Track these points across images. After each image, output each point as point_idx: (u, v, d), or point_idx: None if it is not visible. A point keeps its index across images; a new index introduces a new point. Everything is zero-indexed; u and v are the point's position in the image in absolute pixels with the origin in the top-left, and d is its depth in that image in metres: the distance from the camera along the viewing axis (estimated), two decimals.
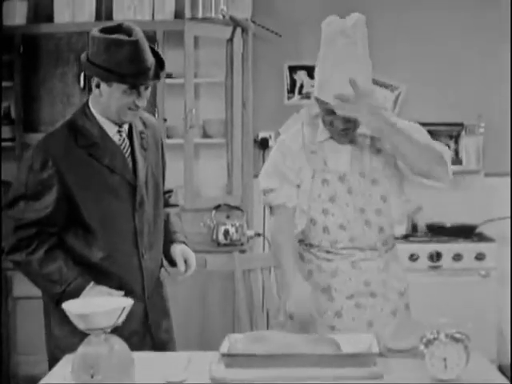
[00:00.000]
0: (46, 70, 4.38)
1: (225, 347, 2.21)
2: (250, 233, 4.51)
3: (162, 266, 2.73)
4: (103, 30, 2.46)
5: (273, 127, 4.80)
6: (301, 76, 4.80)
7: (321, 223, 2.63)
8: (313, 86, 4.89)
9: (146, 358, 2.27)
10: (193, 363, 2.26)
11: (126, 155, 2.57)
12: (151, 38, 4.23)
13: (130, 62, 2.41)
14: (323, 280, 2.64)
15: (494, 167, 4.71)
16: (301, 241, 2.71)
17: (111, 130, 2.54)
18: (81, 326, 2.03)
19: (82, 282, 2.47)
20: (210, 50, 4.64)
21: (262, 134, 4.79)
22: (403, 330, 2.52)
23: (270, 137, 4.79)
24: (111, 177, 2.52)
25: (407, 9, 4.77)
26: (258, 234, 4.67)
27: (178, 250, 2.68)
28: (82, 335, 2.09)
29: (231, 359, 2.15)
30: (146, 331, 2.61)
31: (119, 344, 2.06)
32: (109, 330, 2.04)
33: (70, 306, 2.05)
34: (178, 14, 4.48)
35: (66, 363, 2.21)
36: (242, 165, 4.58)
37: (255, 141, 4.76)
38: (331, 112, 2.55)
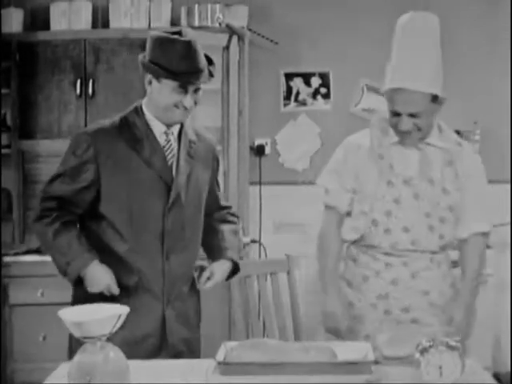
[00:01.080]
0: (42, 78, 4.39)
1: (221, 355, 2.21)
2: (246, 240, 4.50)
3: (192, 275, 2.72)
4: (163, 32, 2.57)
5: (269, 134, 4.83)
6: (297, 83, 4.82)
7: (383, 224, 2.67)
8: (309, 95, 4.93)
9: (142, 366, 2.27)
10: (189, 371, 2.25)
11: (169, 156, 2.62)
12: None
13: (180, 59, 2.49)
14: (381, 287, 2.70)
15: (490, 174, 4.67)
16: (356, 242, 2.76)
17: (158, 129, 2.61)
18: (76, 333, 2.02)
19: (87, 257, 2.55)
20: None
21: (258, 141, 4.81)
22: (399, 338, 2.52)
23: (267, 144, 4.82)
24: (148, 173, 2.58)
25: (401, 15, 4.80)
26: (254, 241, 4.70)
27: (215, 264, 2.72)
28: None
29: (227, 367, 2.15)
30: (162, 336, 2.62)
31: (115, 352, 2.06)
32: (105, 338, 2.03)
33: (65, 314, 2.05)
34: (175, 22, 4.51)
35: (61, 371, 2.21)
36: (238, 172, 4.59)
37: (251, 148, 4.78)
38: (397, 113, 2.61)
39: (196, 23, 4.43)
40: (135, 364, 2.16)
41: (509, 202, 4.62)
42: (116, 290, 2.54)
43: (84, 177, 2.57)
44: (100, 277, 2.54)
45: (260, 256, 4.74)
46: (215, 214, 2.83)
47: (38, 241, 2.68)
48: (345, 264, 2.82)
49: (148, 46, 2.58)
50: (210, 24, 4.43)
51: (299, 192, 4.85)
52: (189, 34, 2.58)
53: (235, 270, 2.79)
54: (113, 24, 4.47)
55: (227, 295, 3.40)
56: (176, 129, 2.65)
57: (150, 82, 2.56)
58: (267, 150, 4.81)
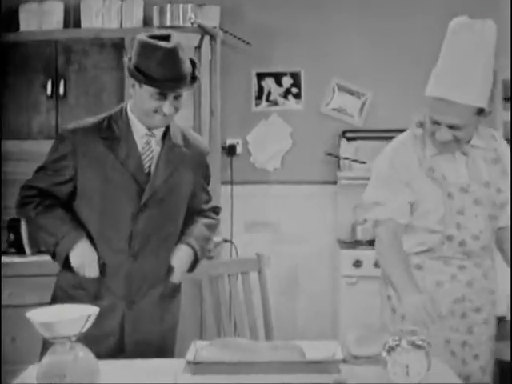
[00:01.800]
0: (12, 79, 4.34)
1: (191, 354, 2.23)
2: (218, 239, 4.49)
3: (168, 277, 2.70)
4: (150, 36, 2.57)
5: (240, 134, 4.85)
6: (268, 83, 4.85)
7: (457, 237, 2.58)
8: (280, 95, 4.93)
9: (112, 366, 2.27)
10: (159, 370, 2.26)
11: (147, 159, 2.63)
12: (119, 46, 4.25)
13: (160, 66, 2.50)
14: (457, 290, 2.61)
15: None
16: (424, 252, 2.63)
17: (139, 131, 2.62)
18: (46, 334, 2.02)
19: (75, 235, 2.58)
20: None
21: (229, 141, 4.83)
22: (367, 337, 2.54)
23: (238, 143, 4.84)
24: (122, 173, 2.59)
25: (374, 15, 4.84)
26: (226, 241, 4.71)
27: (174, 255, 2.69)
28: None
29: (197, 366, 2.17)
30: (122, 336, 2.61)
31: (84, 352, 2.06)
32: (74, 339, 2.03)
33: (34, 315, 2.04)
34: (147, 22, 4.51)
35: (30, 373, 2.19)
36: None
37: (223, 147, 4.79)
38: (436, 122, 2.50)
39: (168, 23, 4.41)
40: (105, 364, 2.16)
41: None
42: (96, 272, 2.57)
43: (62, 172, 2.61)
44: (86, 254, 2.57)
45: (231, 255, 4.75)
46: (197, 211, 2.82)
47: (27, 225, 2.71)
48: None
49: (134, 49, 2.58)
50: (181, 24, 4.42)
51: (270, 191, 4.89)
52: (175, 39, 2.58)
53: (197, 258, 2.75)
54: (84, 24, 4.44)
55: (198, 295, 3.41)
56: (160, 132, 2.65)
57: (133, 86, 2.57)
58: (239, 149, 4.82)
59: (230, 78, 4.78)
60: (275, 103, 4.85)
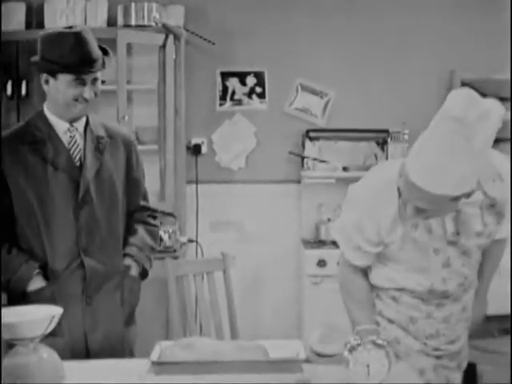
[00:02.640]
0: None
1: (155, 354, 2.23)
2: (183, 239, 4.52)
3: (122, 271, 2.69)
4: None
5: (205, 133, 4.86)
6: (233, 82, 4.86)
7: (440, 289, 2.41)
8: (244, 94, 4.90)
9: (77, 367, 2.26)
10: (123, 371, 2.26)
11: (75, 153, 2.60)
12: None
13: (72, 51, 2.48)
14: (432, 326, 2.46)
15: None
16: (401, 289, 2.45)
17: (61, 128, 2.60)
18: (6, 336, 1.99)
19: (26, 269, 2.52)
20: (142, 57, 4.65)
21: (194, 141, 4.83)
22: (331, 336, 2.61)
23: (203, 143, 4.84)
24: (55, 173, 2.56)
25: (337, 15, 4.87)
26: (191, 240, 4.71)
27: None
28: None
29: (161, 367, 2.17)
30: (83, 334, 2.59)
31: (48, 353, 2.05)
32: (37, 340, 2.02)
33: None
34: (111, 22, 4.50)
35: None
36: (174, 171, 4.58)
37: (188, 147, 4.79)
38: (419, 209, 2.18)
39: (133, 22, 4.42)
40: (69, 365, 2.15)
41: None
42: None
43: None
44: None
45: (197, 255, 4.75)
46: (136, 214, 2.81)
47: None
48: (380, 302, 2.51)
49: (39, 45, 2.56)
50: (146, 23, 4.43)
51: (235, 191, 4.90)
52: (81, 26, 2.56)
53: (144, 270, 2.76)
54: (48, 24, 4.41)
55: (164, 294, 3.42)
56: (81, 125, 2.63)
57: (47, 81, 2.55)
58: (203, 149, 4.83)
59: (194, 77, 4.78)
60: (239, 103, 4.87)
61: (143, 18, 4.43)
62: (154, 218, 2.88)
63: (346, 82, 4.89)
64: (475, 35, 4.82)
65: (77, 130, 2.63)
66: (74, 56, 2.49)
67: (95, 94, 2.56)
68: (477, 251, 2.45)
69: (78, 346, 2.56)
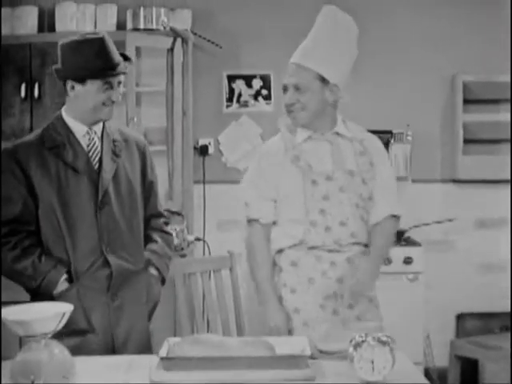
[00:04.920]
0: None
1: (164, 351, 2.25)
2: (191, 238, 4.55)
3: (145, 269, 2.77)
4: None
5: (212, 134, 4.88)
6: (239, 85, 4.89)
7: (322, 223, 2.65)
8: (250, 96, 4.98)
9: (87, 363, 2.28)
10: (134, 366, 2.28)
11: (94, 156, 2.66)
12: None
13: (98, 56, 2.54)
14: (329, 286, 2.66)
15: (420, 174, 4.85)
16: (294, 246, 2.69)
17: (79, 131, 2.65)
18: (20, 332, 2.02)
19: (55, 274, 2.58)
20: (151, 60, 4.69)
21: (201, 141, 4.86)
22: (334, 333, 2.63)
23: (210, 144, 4.87)
24: (75, 176, 2.62)
25: None
26: (198, 239, 4.74)
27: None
28: None
29: (170, 362, 2.18)
30: (110, 330, 2.65)
31: (59, 349, 2.06)
32: (49, 336, 2.04)
33: (7, 313, 2.03)
34: (120, 25, 4.55)
35: (3, 370, 2.16)
36: (182, 171, 4.64)
37: (195, 148, 4.83)
38: (285, 89, 2.71)
39: (141, 26, 4.47)
40: (80, 361, 2.16)
41: (434, 202, 4.79)
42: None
43: (21, 193, 2.59)
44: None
45: (204, 253, 4.77)
46: (153, 221, 2.87)
47: None
48: (281, 271, 2.74)
49: (60, 54, 2.60)
50: (154, 27, 4.48)
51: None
52: (100, 33, 2.63)
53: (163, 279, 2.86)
54: (59, 28, 4.47)
55: (172, 292, 3.47)
56: (98, 129, 2.69)
57: (73, 88, 2.59)
58: (210, 149, 4.86)
59: (201, 79, 4.82)
60: (245, 105, 4.90)
61: (152, 21, 4.48)
62: (167, 224, 2.95)
63: (349, 84, 4.93)
64: (478, 37, 4.85)
65: (95, 133, 2.69)
66: (100, 61, 2.54)
67: (121, 96, 2.63)
68: (354, 194, 2.68)
69: (105, 342, 2.63)
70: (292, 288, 2.72)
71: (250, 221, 2.78)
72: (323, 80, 2.68)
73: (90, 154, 2.67)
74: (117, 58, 2.61)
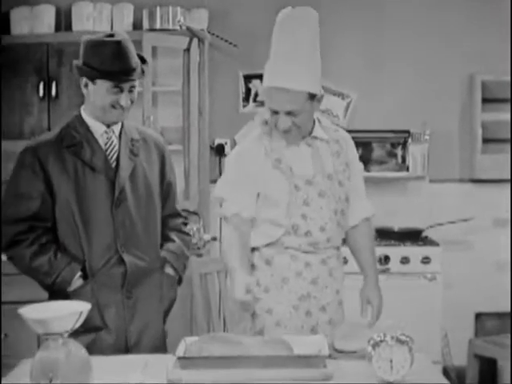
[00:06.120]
0: (4, 81, 4.39)
1: (181, 350, 2.25)
2: (207, 237, 4.56)
3: (161, 269, 2.78)
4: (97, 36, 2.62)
5: (228, 134, 4.89)
6: (255, 84, 4.89)
7: (303, 227, 2.61)
8: None
9: (104, 361, 2.29)
10: (150, 366, 2.27)
11: (111, 155, 2.68)
12: None
13: (112, 59, 2.55)
14: (303, 287, 2.64)
15: (438, 174, 4.86)
16: (271, 244, 2.66)
17: (98, 130, 2.67)
18: (39, 330, 2.03)
19: (69, 271, 2.60)
20: (167, 60, 4.72)
21: (218, 141, 4.87)
22: (352, 332, 2.60)
23: (226, 143, 4.88)
24: (93, 174, 2.64)
25: (358, 18, 4.91)
26: (215, 239, 4.73)
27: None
28: None
29: (187, 361, 2.18)
30: (123, 328, 2.67)
31: (77, 348, 2.07)
32: (66, 335, 2.05)
33: (27, 311, 2.04)
34: (137, 26, 4.57)
35: (22, 368, 2.23)
36: (198, 171, 4.65)
37: (211, 147, 4.84)
38: (275, 112, 2.55)
39: (157, 26, 4.49)
40: (97, 360, 2.16)
41: (454, 202, 4.78)
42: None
43: (40, 190, 2.61)
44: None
45: (220, 253, 4.78)
46: (171, 221, 2.88)
47: (14, 265, 2.68)
48: (255, 269, 2.69)
49: (81, 50, 2.63)
50: (171, 27, 4.49)
51: None
52: (121, 33, 2.64)
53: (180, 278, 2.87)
54: (75, 27, 4.50)
55: (188, 291, 3.48)
56: (117, 128, 2.71)
57: (86, 85, 2.62)
58: (227, 149, 4.86)
59: (217, 79, 4.83)
60: (262, 104, 4.89)
61: (168, 21, 4.50)
62: (185, 224, 2.96)
63: (367, 84, 4.92)
64: (497, 35, 4.83)
65: (113, 132, 2.71)
66: (114, 64, 2.56)
67: (131, 102, 2.64)
68: (333, 198, 2.64)
69: (119, 340, 2.64)
70: (265, 287, 2.68)
71: (227, 218, 2.68)
72: (312, 96, 2.57)
73: (108, 152, 2.69)
74: (133, 62, 2.61)
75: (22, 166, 2.64)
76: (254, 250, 2.71)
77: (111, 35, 2.63)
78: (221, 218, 4.70)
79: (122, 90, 2.60)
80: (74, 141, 2.65)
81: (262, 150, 2.64)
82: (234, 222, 2.66)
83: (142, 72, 2.66)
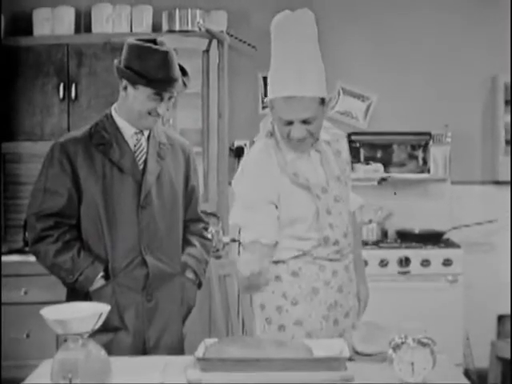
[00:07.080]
0: (25, 82, 4.43)
1: (200, 352, 2.24)
2: (226, 239, 4.55)
3: (182, 272, 2.79)
4: (139, 40, 2.64)
5: (248, 136, 4.86)
6: None
7: (332, 237, 2.54)
8: None
9: (123, 362, 2.30)
10: (169, 367, 2.28)
11: (139, 157, 2.70)
12: None
13: (158, 68, 2.58)
14: (331, 296, 2.58)
15: (459, 176, 4.84)
16: (299, 256, 2.54)
17: (128, 131, 2.69)
18: (59, 331, 2.05)
19: (92, 270, 2.61)
20: (186, 62, 4.67)
21: (237, 143, 4.88)
22: (372, 335, 2.54)
23: (245, 145, 4.88)
24: (120, 175, 2.65)
25: (378, 20, 4.90)
26: (234, 240, 4.73)
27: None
28: None
29: (206, 363, 2.18)
30: (143, 329, 2.68)
31: (96, 349, 2.08)
32: (86, 336, 2.06)
33: (47, 312, 2.07)
34: (156, 27, 4.58)
35: (43, 368, 2.24)
36: (217, 172, 4.64)
37: (231, 149, 4.84)
38: (289, 122, 2.44)
39: (177, 28, 4.50)
40: (116, 361, 2.17)
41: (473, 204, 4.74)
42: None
43: (67, 186, 2.63)
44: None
45: (239, 255, 4.79)
46: (192, 225, 2.89)
47: (38, 260, 2.69)
48: (280, 281, 2.55)
49: (125, 52, 2.64)
50: (190, 28, 4.51)
51: None
52: (165, 43, 2.66)
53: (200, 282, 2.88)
54: (95, 29, 4.53)
55: (207, 293, 3.47)
56: (146, 131, 2.73)
57: (126, 88, 2.63)
58: (246, 151, 4.84)
59: (237, 81, 4.84)
60: None
61: (187, 23, 4.51)
62: (206, 229, 2.96)
63: (388, 86, 4.91)
64: None
65: (143, 134, 2.72)
66: (160, 73, 2.58)
67: (167, 110, 2.67)
68: (345, 201, 2.59)
69: (137, 342, 2.65)
70: (293, 299, 2.55)
71: (245, 245, 2.50)
72: (323, 101, 2.47)
73: (136, 154, 2.70)
74: (176, 73, 2.64)
75: (50, 161, 2.66)
76: (278, 262, 2.57)
77: (154, 41, 2.64)
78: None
79: (162, 99, 2.62)
80: (104, 140, 2.67)
81: (276, 165, 2.51)
82: (253, 249, 2.47)
83: (184, 84, 2.68)
